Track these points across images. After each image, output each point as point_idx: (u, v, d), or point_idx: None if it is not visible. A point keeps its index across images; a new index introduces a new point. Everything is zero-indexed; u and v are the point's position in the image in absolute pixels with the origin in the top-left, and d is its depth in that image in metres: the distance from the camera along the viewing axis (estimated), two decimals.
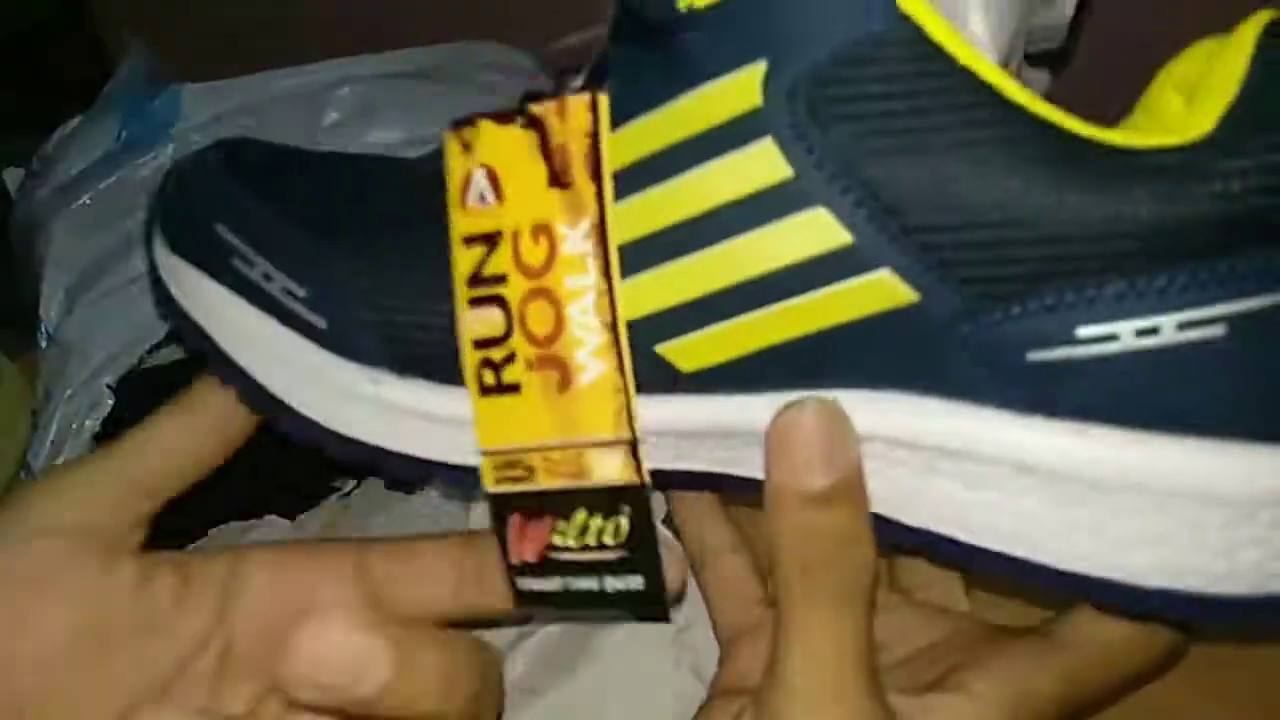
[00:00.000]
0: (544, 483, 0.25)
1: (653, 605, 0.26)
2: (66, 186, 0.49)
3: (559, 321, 0.24)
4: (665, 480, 0.26)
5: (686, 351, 0.24)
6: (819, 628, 0.24)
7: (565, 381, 0.24)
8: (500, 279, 0.24)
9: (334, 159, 0.30)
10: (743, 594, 0.31)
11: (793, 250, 0.22)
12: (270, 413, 0.27)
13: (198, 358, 0.28)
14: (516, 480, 0.25)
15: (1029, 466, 0.22)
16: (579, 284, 0.24)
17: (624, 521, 0.25)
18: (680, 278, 0.23)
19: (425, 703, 0.24)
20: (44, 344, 0.45)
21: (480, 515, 0.34)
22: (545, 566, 0.26)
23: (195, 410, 0.28)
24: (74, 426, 0.40)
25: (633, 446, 0.24)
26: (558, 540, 0.25)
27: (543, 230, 0.24)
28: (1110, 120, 0.26)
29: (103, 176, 0.48)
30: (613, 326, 0.24)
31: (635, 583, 0.25)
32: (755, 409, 0.24)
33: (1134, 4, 0.35)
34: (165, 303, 0.28)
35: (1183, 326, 0.20)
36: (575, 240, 0.24)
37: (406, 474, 0.26)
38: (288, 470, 0.37)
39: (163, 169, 0.46)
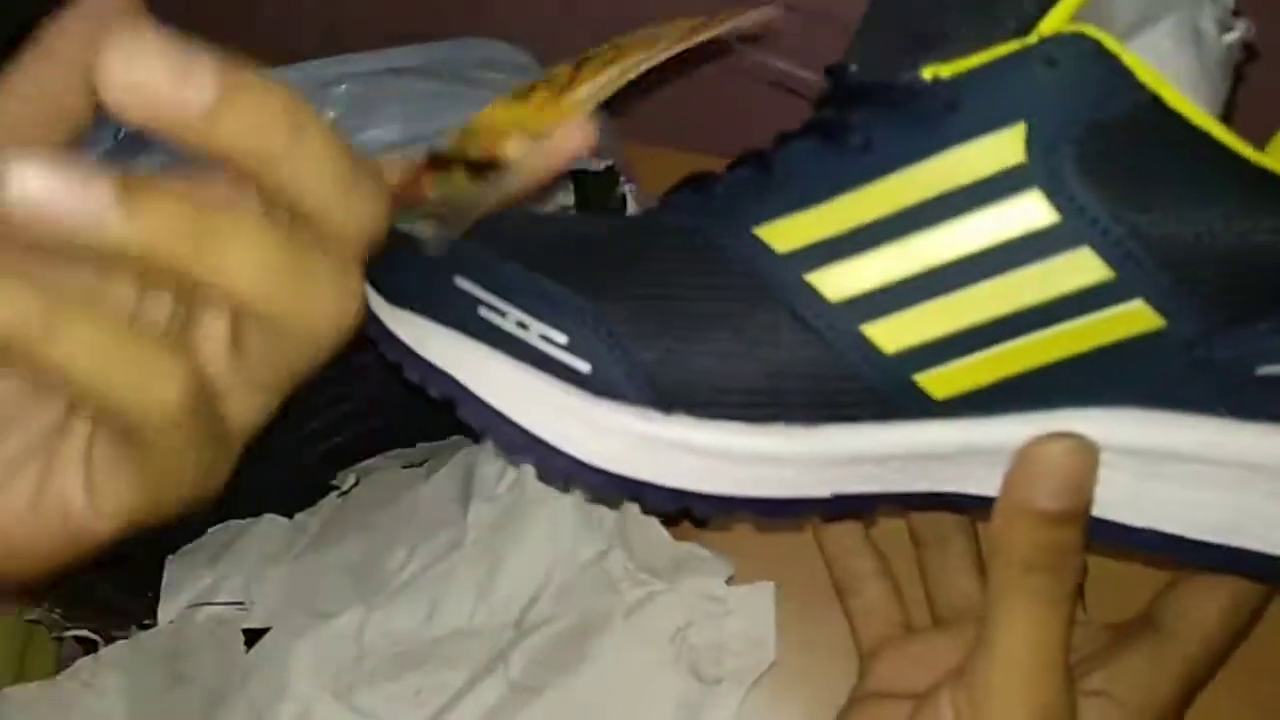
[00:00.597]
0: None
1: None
2: None
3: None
4: (877, 503, 0.29)
5: (943, 380, 0.27)
6: (1034, 617, 0.27)
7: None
8: None
9: (534, 211, 0.32)
10: (885, 616, 0.34)
11: (1059, 284, 0.25)
12: (529, 452, 0.28)
13: None
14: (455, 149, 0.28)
15: (1255, 465, 0.26)
16: None
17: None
18: (945, 313, 0.26)
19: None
20: None
21: (476, 514, 0.35)
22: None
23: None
24: None
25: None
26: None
27: None
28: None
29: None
30: None
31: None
32: (999, 431, 0.27)
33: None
34: (403, 353, 0.29)
35: None
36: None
37: (667, 505, 0.28)
38: (286, 468, 0.37)
39: (159, 167, 0.46)
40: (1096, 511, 0.27)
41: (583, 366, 0.27)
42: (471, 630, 0.32)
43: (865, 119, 0.27)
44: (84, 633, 0.38)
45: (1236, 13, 0.27)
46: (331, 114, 0.49)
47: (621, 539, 0.33)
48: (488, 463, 0.35)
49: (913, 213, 0.26)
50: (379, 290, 0.30)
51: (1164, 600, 0.31)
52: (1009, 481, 0.27)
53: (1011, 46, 0.26)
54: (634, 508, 0.33)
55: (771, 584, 0.33)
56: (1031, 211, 0.25)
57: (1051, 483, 0.26)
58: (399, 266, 0.29)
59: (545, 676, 0.33)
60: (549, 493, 0.33)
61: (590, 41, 0.49)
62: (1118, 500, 0.27)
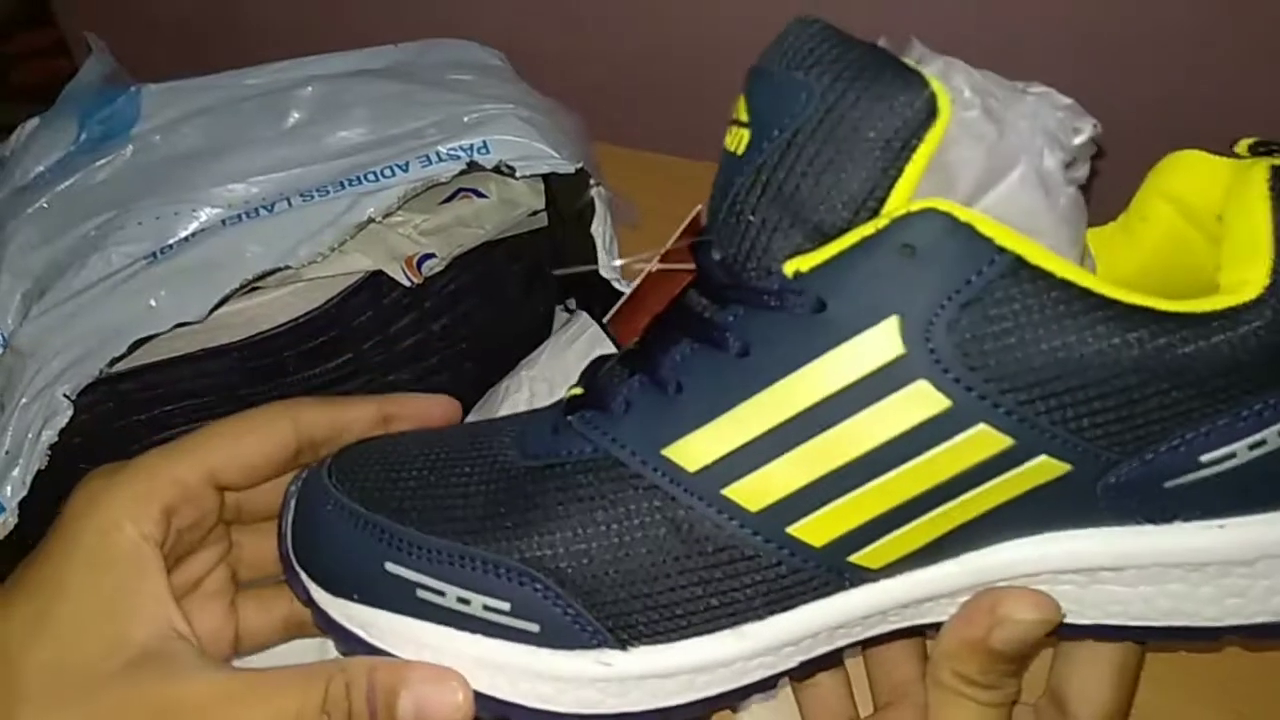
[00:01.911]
0: None
1: None
2: (24, 189, 0.47)
3: None
4: (843, 652, 0.30)
5: (877, 554, 0.27)
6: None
7: None
8: None
9: (431, 447, 0.31)
10: (835, 709, 0.34)
11: (960, 461, 0.26)
12: (508, 714, 0.28)
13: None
14: None
15: (1178, 562, 0.27)
16: None
17: None
18: (864, 502, 0.26)
19: None
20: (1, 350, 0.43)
21: None
22: None
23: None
24: (30, 435, 0.38)
25: None
26: None
27: None
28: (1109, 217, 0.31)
29: (61, 179, 0.47)
30: None
31: None
32: (940, 575, 0.28)
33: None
34: (354, 642, 0.29)
35: None
36: None
37: None
38: None
39: (122, 171, 0.46)
40: None
41: (532, 627, 0.28)
42: None
43: (738, 321, 0.27)
44: None
45: (1074, 129, 0.26)
46: (296, 115, 0.48)
47: None
48: None
49: (810, 415, 0.26)
50: (314, 579, 0.30)
51: (1060, 678, 0.32)
52: (970, 614, 0.28)
53: (864, 231, 0.25)
54: None
55: None
56: (921, 402, 0.25)
57: (1012, 635, 0.27)
58: (328, 553, 0.29)
59: None
60: None
61: (562, 42, 0.46)
62: (1066, 607, 0.28)
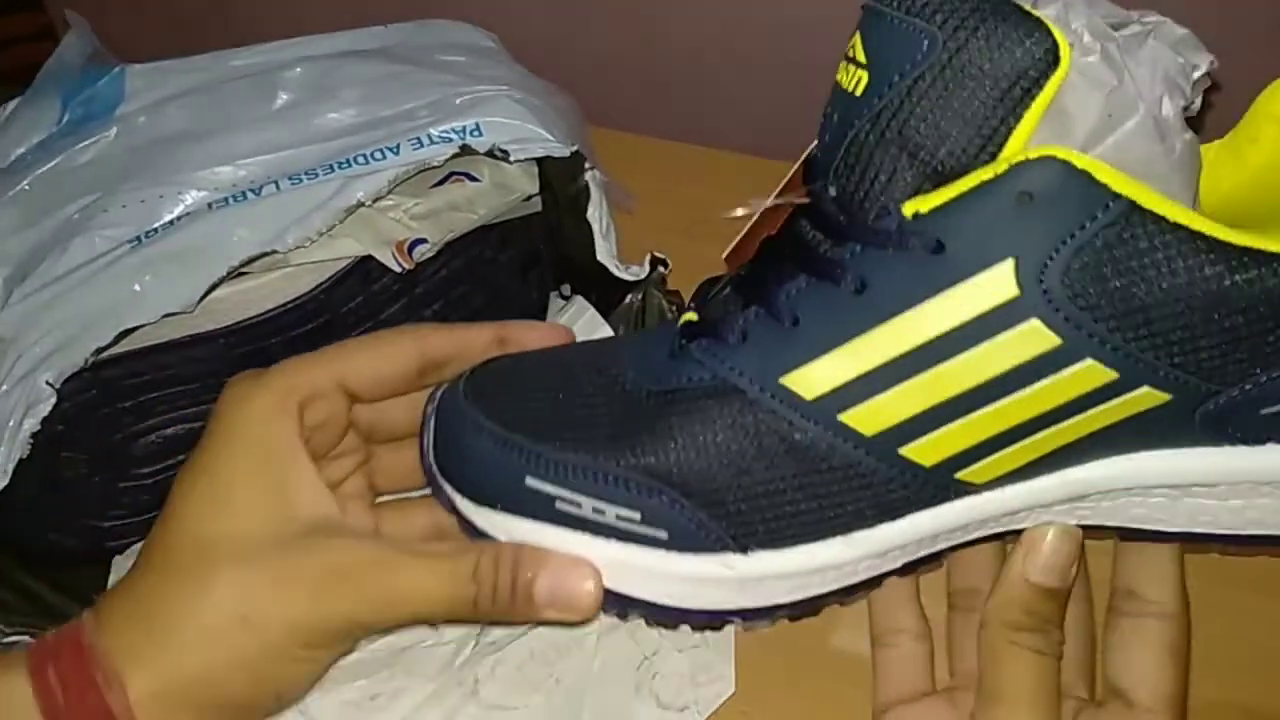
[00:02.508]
0: None
1: None
2: (4, 171, 0.47)
3: None
4: (946, 554, 0.32)
5: (982, 471, 0.30)
6: (1026, 664, 0.31)
7: None
8: None
9: (560, 372, 0.34)
10: (908, 677, 0.35)
11: (1068, 392, 0.27)
12: (637, 612, 0.32)
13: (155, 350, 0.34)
14: None
15: (1270, 478, 0.29)
16: None
17: None
18: (973, 426, 0.28)
19: None
20: None
21: None
22: None
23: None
24: (11, 424, 0.38)
25: None
26: None
27: None
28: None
29: (43, 161, 0.46)
30: None
31: None
32: (1041, 487, 0.30)
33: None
34: None
35: None
36: None
37: (765, 622, 0.32)
38: None
39: (106, 153, 0.45)
40: (1134, 524, 0.31)
41: (660, 534, 0.31)
42: (439, 641, 0.35)
43: (854, 259, 0.28)
44: (26, 638, 0.38)
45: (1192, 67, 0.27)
46: (285, 96, 0.47)
47: None
48: None
49: (926, 350, 0.28)
50: (460, 491, 0.33)
51: (1115, 669, 0.33)
52: (1014, 558, 0.31)
53: (982, 176, 0.26)
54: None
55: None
56: (1034, 339, 0.27)
57: (1041, 559, 0.30)
58: (472, 468, 0.32)
59: (514, 696, 0.36)
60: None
61: (556, 25, 0.45)
62: (1154, 516, 0.31)
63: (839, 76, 0.29)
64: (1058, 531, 0.31)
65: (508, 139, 0.43)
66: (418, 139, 0.44)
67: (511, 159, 0.43)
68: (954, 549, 0.33)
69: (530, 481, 0.31)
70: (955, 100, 0.26)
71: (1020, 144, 0.26)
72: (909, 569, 0.32)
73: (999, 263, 0.26)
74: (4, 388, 0.39)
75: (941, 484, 0.30)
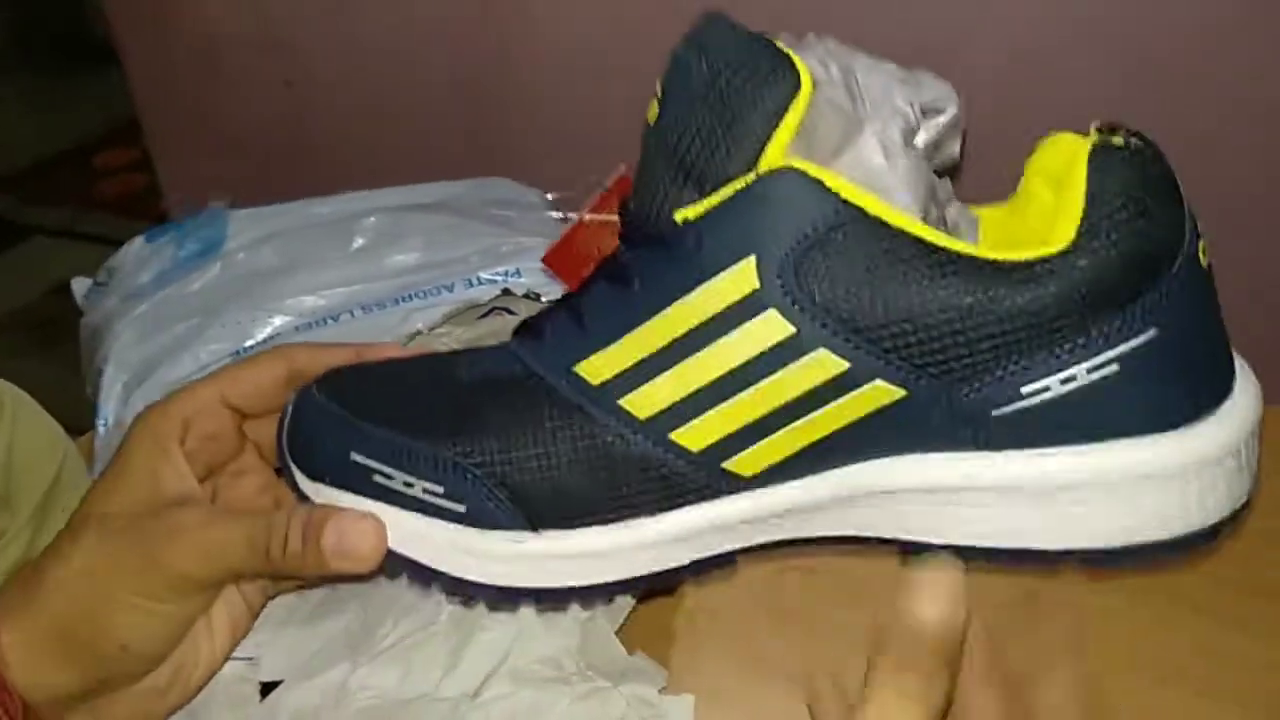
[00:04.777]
0: None
1: None
2: (130, 296, 0.57)
3: None
4: (733, 558, 0.34)
5: (745, 462, 0.32)
6: (898, 708, 0.30)
7: None
8: None
9: (402, 369, 0.37)
10: None
11: (806, 381, 0.30)
12: (434, 582, 0.34)
13: None
14: None
15: (1011, 487, 0.31)
16: None
17: None
18: (730, 414, 0.31)
19: None
20: (101, 430, 0.52)
21: None
22: None
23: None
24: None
25: None
26: None
27: None
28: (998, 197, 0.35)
29: (160, 288, 0.56)
30: None
31: None
32: (805, 489, 0.32)
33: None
34: None
35: (1091, 371, 0.29)
36: None
37: (553, 605, 0.34)
38: None
39: (212, 283, 0.56)
40: (902, 535, 0.33)
41: (459, 508, 0.33)
42: (437, 696, 0.38)
43: (639, 261, 0.32)
44: None
45: (926, 112, 0.31)
46: (361, 240, 0.57)
47: (580, 642, 0.38)
48: None
49: (686, 338, 0.31)
50: (299, 467, 0.36)
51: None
52: (910, 600, 0.31)
53: (735, 186, 0.30)
54: (597, 620, 0.38)
55: (692, 697, 0.37)
56: (772, 327, 0.30)
57: (928, 592, 0.31)
58: (311, 447, 0.36)
59: None
60: None
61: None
62: (920, 527, 0.32)
63: (648, 113, 0.34)
64: (935, 566, 0.31)
65: (541, 282, 0.53)
66: (469, 280, 0.54)
67: (543, 299, 0.52)
68: (746, 552, 0.34)
69: (354, 456, 0.34)
70: (718, 122, 0.30)
71: (773, 160, 0.30)
72: (699, 569, 0.34)
73: (744, 259, 0.30)
74: None
75: (712, 473, 0.32)
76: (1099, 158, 0.29)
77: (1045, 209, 0.33)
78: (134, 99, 0.84)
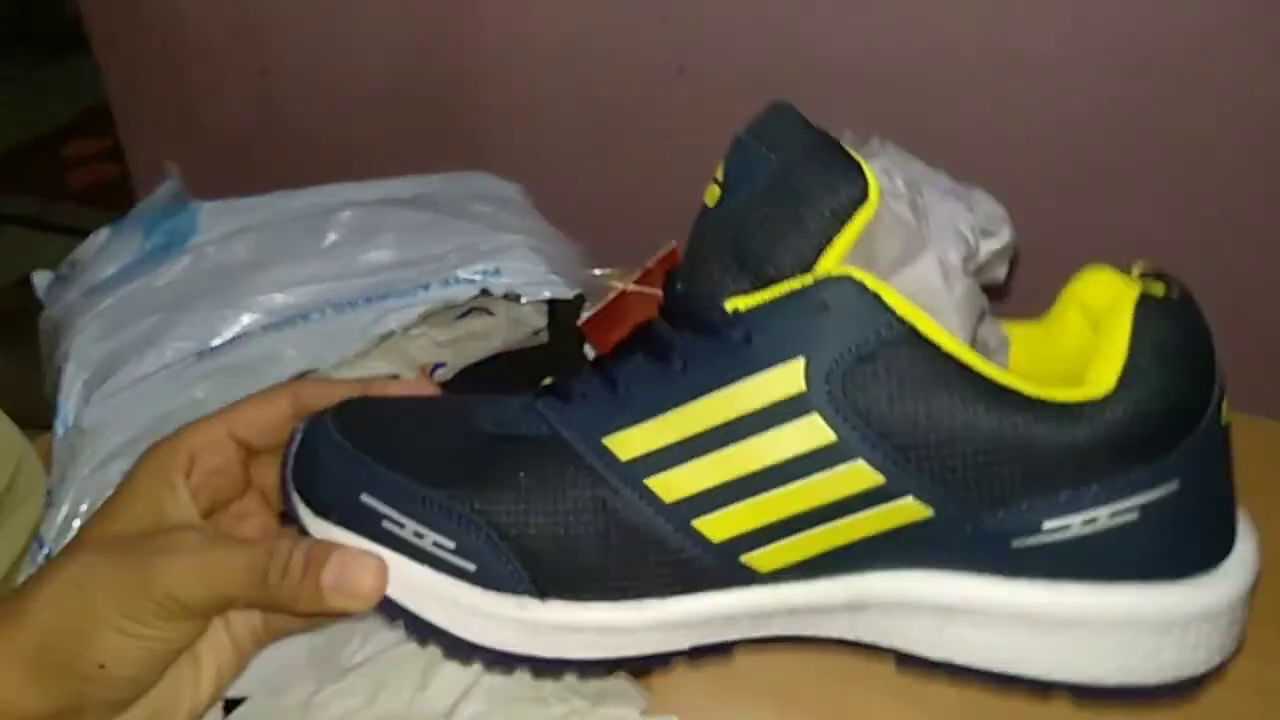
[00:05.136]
0: None
1: None
2: (93, 290, 0.54)
3: None
4: (733, 647, 0.34)
5: (764, 559, 0.32)
6: None
7: None
8: None
9: (421, 410, 0.37)
10: None
11: (839, 489, 0.31)
12: (434, 639, 0.33)
13: None
14: None
15: (1019, 614, 0.31)
16: None
17: None
18: (757, 509, 0.31)
19: None
20: (60, 431, 0.50)
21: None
22: None
23: None
24: (83, 508, 0.44)
25: None
26: None
27: None
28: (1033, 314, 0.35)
29: (126, 282, 0.53)
30: None
31: None
32: (817, 591, 0.33)
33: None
34: None
35: (1112, 515, 0.30)
36: None
37: (554, 673, 0.34)
38: None
39: (179, 277, 0.53)
40: (902, 646, 0.33)
41: (469, 566, 0.33)
42: (408, 716, 0.37)
43: (684, 342, 0.32)
44: None
45: (988, 232, 0.32)
46: (334, 235, 0.55)
47: None
48: None
49: (724, 429, 0.31)
50: (306, 503, 0.35)
51: None
52: None
53: (792, 285, 0.31)
54: None
55: (675, 718, 0.37)
56: (812, 432, 0.30)
57: None
58: (318, 481, 0.35)
59: None
60: None
61: (577, 176, 0.52)
62: (922, 640, 0.33)
63: (705, 195, 0.34)
64: None
65: (522, 281, 0.51)
66: (446, 279, 0.51)
67: (523, 300, 0.50)
68: (745, 643, 0.35)
69: (365, 498, 0.34)
70: (782, 218, 0.31)
71: (831, 264, 0.31)
72: (698, 654, 0.34)
73: (793, 359, 0.30)
74: (84, 472, 0.45)
75: (729, 564, 0.32)
76: (1144, 308, 0.30)
77: (1079, 343, 0.34)
78: (105, 87, 0.83)
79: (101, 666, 0.32)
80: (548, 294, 0.50)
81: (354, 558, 0.33)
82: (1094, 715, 0.34)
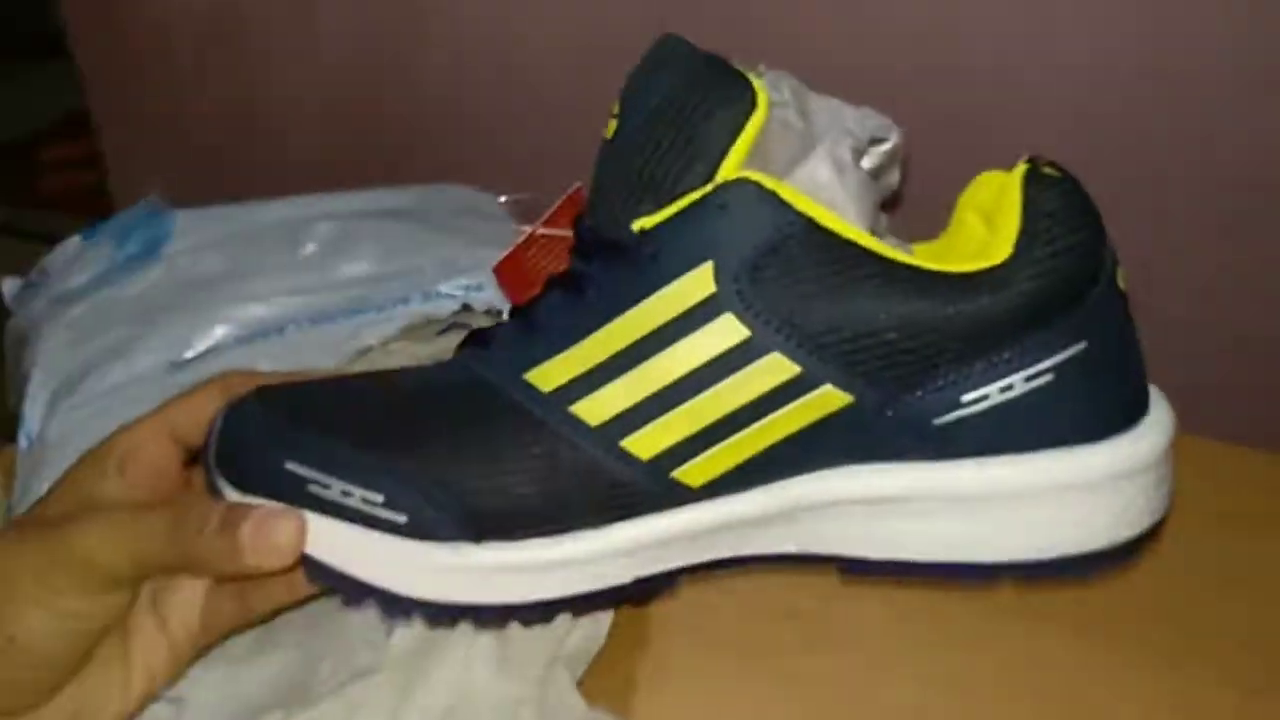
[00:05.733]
0: None
1: None
2: (62, 298, 0.52)
3: None
4: (674, 577, 0.34)
5: (694, 472, 0.32)
6: None
7: None
8: None
9: (341, 383, 0.37)
10: None
11: (759, 385, 0.31)
12: (369, 597, 0.33)
13: None
14: None
15: (950, 496, 0.32)
16: None
17: None
18: (681, 420, 0.31)
19: None
20: (24, 444, 0.48)
21: (398, 640, 0.36)
22: None
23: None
24: None
25: None
26: None
27: None
28: (931, 233, 0.36)
29: (96, 290, 0.52)
30: None
31: None
32: (750, 503, 0.32)
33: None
34: None
35: (1027, 379, 0.31)
36: None
37: (497, 621, 0.33)
38: None
39: (152, 287, 0.52)
40: (842, 550, 0.33)
41: (400, 518, 0.32)
42: None
43: (595, 271, 0.33)
44: None
45: (876, 139, 0.33)
46: (312, 247, 0.54)
47: (538, 694, 0.35)
48: None
49: (641, 344, 0.31)
50: (229, 479, 0.34)
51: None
52: None
53: (692, 197, 0.31)
54: (556, 670, 0.35)
55: None
56: (727, 332, 0.31)
57: None
58: (241, 456, 0.34)
59: None
60: (465, 632, 0.35)
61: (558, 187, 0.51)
62: (860, 541, 0.33)
63: (605, 130, 0.35)
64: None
65: (504, 297, 0.49)
66: (425, 292, 0.50)
67: (505, 316, 0.47)
68: (686, 571, 0.34)
69: (289, 465, 0.33)
70: (677, 136, 0.32)
71: (729, 173, 0.31)
72: (642, 587, 0.34)
73: (701, 265, 0.31)
74: (47, 486, 0.42)
75: (661, 482, 0.32)
76: (1032, 183, 0.31)
77: (978, 239, 0.35)
78: (84, 92, 0.81)
79: (10, 639, 0.31)
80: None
81: (272, 513, 0.32)
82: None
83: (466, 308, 0.49)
